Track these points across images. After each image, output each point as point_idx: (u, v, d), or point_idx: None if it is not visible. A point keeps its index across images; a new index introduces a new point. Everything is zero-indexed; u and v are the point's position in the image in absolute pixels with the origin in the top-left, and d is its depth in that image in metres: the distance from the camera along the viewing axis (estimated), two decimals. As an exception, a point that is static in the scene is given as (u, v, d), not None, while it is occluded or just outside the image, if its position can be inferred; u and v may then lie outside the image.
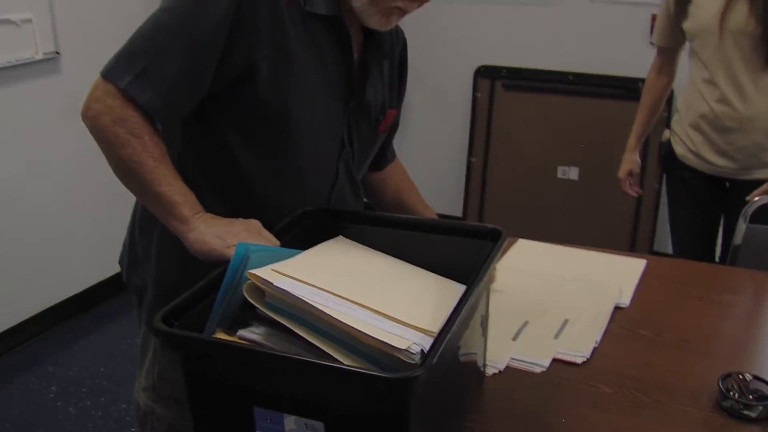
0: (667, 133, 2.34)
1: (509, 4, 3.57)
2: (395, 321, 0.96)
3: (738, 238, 2.00)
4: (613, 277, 1.63)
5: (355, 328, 0.91)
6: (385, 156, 1.55)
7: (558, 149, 3.61)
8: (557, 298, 1.53)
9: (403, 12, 1.23)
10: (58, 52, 2.95)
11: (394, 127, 1.53)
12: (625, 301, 1.53)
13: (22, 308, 3.03)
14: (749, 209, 1.99)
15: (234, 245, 1.04)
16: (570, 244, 1.82)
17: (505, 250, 1.79)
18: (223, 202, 1.17)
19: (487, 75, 3.71)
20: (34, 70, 2.88)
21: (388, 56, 1.38)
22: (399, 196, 1.56)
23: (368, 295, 1.01)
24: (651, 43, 2.37)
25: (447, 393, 1.05)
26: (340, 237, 1.26)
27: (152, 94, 1.11)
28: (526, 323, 1.43)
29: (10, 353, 2.98)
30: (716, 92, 2.09)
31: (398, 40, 1.44)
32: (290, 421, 0.91)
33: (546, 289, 1.57)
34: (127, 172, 1.15)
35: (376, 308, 0.98)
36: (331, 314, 0.93)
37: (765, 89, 2.04)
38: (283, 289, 0.96)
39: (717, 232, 2.35)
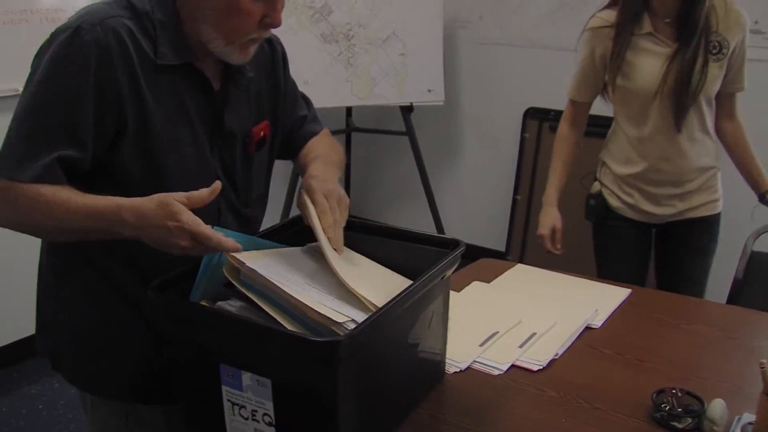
0: (597, 185, 2.30)
1: (559, 50, 3.71)
2: (343, 302, 1.14)
3: (740, 270, 2.07)
4: (594, 301, 1.74)
5: (304, 303, 1.10)
6: (299, 145, 1.54)
7: (599, 192, 3.70)
8: (532, 314, 1.65)
9: (257, 40, 1.29)
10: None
11: (308, 106, 1.55)
12: (598, 322, 1.65)
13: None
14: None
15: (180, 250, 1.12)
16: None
17: (502, 273, 1.94)
18: (109, 254, 1.21)
19: (535, 117, 3.86)
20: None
21: (250, 77, 1.39)
22: (304, 154, 1.52)
23: (327, 281, 1.19)
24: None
25: (389, 375, 1.21)
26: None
27: (35, 171, 1.15)
28: (495, 333, 1.57)
29: (23, 363, 3.14)
30: (656, 150, 2.11)
31: (273, 48, 1.45)
32: (247, 377, 1.10)
33: (524, 306, 1.70)
34: (53, 232, 1.21)
35: (329, 291, 1.16)
36: (287, 291, 1.12)
37: (697, 141, 2.10)
38: (252, 269, 1.15)
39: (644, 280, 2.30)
